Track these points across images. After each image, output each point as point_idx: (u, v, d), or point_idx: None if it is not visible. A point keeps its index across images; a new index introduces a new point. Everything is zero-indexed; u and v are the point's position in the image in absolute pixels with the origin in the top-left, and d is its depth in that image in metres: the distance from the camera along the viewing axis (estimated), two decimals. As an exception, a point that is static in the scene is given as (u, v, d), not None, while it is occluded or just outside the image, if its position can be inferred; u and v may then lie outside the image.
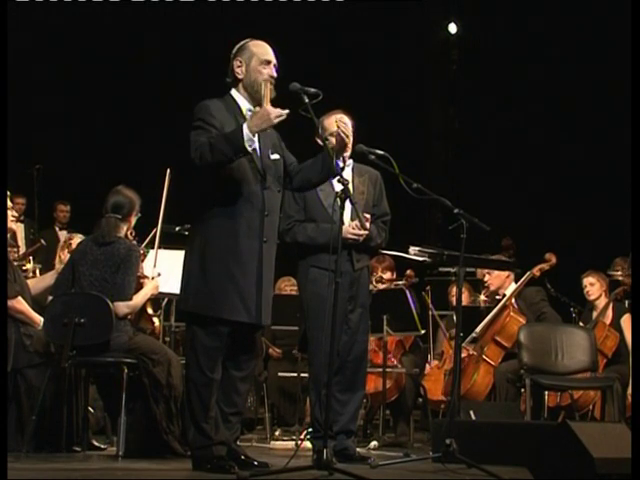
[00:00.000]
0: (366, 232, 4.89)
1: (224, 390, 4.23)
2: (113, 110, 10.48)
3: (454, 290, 7.26)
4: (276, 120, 4.03)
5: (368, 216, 4.93)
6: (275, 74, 4.29)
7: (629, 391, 6.21)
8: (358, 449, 5.23)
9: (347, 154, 5.06)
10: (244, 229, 4.16)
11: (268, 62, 4.29)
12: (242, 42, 4.35)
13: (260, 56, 4.29)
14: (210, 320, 4.13)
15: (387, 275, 7.15)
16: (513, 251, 9.12)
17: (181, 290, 4.26)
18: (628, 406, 6.26)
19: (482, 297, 7.30)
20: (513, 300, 6.91)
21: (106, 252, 5.09)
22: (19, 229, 9.01)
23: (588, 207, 9.97)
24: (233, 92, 4.35)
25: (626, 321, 6.76)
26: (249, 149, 4.04)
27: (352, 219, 4.92)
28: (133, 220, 5.30)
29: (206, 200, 4.18)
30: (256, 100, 4.29)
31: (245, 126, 4.04)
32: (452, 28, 12.12)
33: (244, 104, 4.32)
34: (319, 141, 4.93)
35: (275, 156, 4.34)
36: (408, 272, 8.15)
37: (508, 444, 4.58)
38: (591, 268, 7.10)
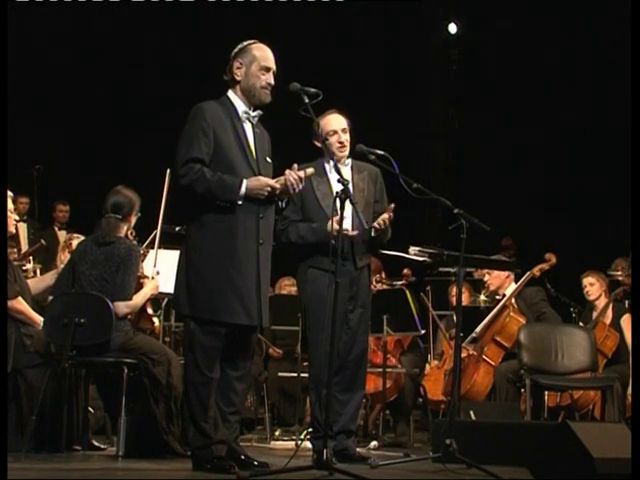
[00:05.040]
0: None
1: (221, 390, 4.22)
2: (113, 110, 10.48)
3: (454, 290, 7.26)
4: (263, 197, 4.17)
5: (392, 206, 4.93)
6: (273, 82, 4.30)
7: (629, 391, 6.21)
8: (358, 449, 5.23)
9: (344, 154, 5.07)
10: (240, 231, 4.16)
11: (268, 69, 4.29)
12: (245, 43, 4.34)
13: (261, 61, 4.28)
14: (208, 320, 4.14)
15: (377, 277, 7.19)
16: (513, 251, 9.12)
17: (176, 291, 4.26)
18: (628, 406, 6.26)
19: (482, 297, 7.30)
20: (513, 300, 6.91)
21: (106, 252, 5.09)
22: (22, 228, 9.01)
23: (588, 207, 9.97)
24: (230, 93, 4.34)
25: (626, 321, 6.76)
26: (239, 203, 4.12)
27: (352, 220, 4.89)
28: (133, 220, 5.30)
29: (201, 202, 4.16)
30: (252, 103, 4.31)
31: (245, 183, 4.12)
32: (452, 28, 12.13)
33: (240, 106, 4.32)
34: (317, 143, 4.96)
35: (268, 159, 4.35)
36: (405, 271, 8.15)
37: (508, 444, 4.57)
38: (591, 268, 7.10)
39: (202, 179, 4.10)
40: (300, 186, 4.22)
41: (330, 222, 4.56)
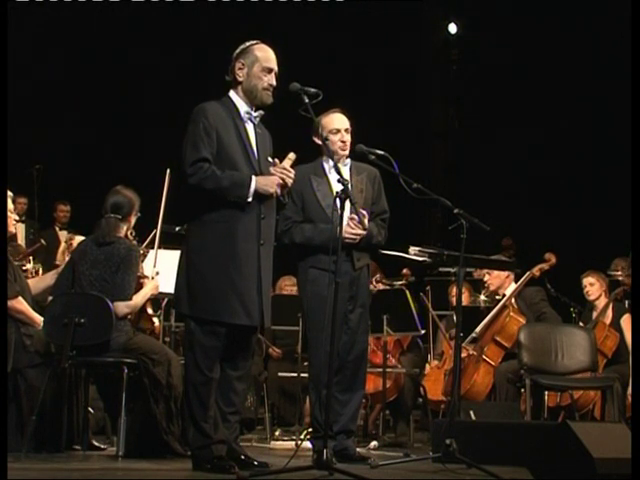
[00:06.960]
0: (364, 232, 4.89)
1: (222, 390, 4.23)
2: (113, 110, 10.48)
3: (454, 290, 7.26)
4: (273, 191, 4.20)
5: (365, 212, 4.93)
6: (275, 83, 4.30)
7: (629, 391, 6.21)
8: (358, 449, 5.23)
9: (345, 153, 5.08)
10: (241, 232, 4.16)
11: (270, 70, 4.30)
12: (247, 43, 4.34)
13: (263, 62, 4.29)
14: (208, 320, 4.14)
15: (377, 277, 7.19)
16: (513, 251, 9.13)
17: (176, 291, 4.26)
18: (628, 406, 6.26)
19: (482, 297, 7.30)
20: (513, 300, 6.91)
21: (106, 252, 5.09)
22: (19, 229, 9.01)
23: (588, 207, 9.97)
24: (232, 94, 4.35)
25: (626, 321, 6.76)
26: (249, 199, 4.13)
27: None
28: (133, 220, 5.30)
29: (202, 203, 4.17)
30: (254, 104, 4.32)
31: (254, 180, 4.14)
32: (452, 28, 12.13)
33: (242, 106, 4.32)
34: (317, 140, 4.96)
35: (270, 159, 4.36)
36: (404, 271, 8.15)
37: (508, 444, 4.58)
38: (591, 268, 7.10)
39: (213, 176, 4.10)
40: (291, 174, 4.24)
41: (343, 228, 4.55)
